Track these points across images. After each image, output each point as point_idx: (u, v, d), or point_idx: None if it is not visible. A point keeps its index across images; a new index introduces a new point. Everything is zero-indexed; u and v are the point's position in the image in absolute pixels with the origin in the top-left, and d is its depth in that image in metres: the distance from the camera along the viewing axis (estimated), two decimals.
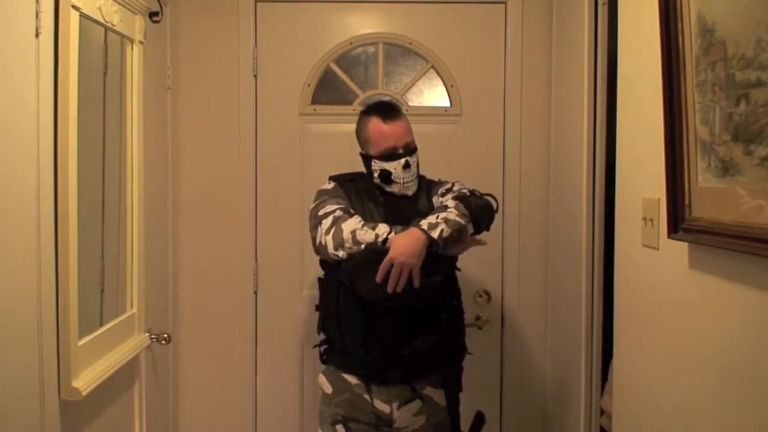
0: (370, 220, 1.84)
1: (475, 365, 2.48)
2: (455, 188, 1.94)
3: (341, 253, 1.76)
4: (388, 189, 1.91)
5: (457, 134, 2.54)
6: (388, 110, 1.92)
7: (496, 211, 1.90)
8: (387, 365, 1.85)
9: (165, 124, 2.43)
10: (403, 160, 1.87)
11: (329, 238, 1.78)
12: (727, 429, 1.14)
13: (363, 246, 1.74)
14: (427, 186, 2.00)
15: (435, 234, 1.71)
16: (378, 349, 1.83)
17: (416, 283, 1.69)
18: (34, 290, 1.44)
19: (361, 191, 1.94)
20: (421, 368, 1.87)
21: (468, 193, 1.88)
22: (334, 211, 1.82)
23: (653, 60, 1.31)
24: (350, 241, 1.75)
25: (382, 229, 1.75)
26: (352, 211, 1.85)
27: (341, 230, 1.77)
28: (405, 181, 1.88)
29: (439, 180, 2.04)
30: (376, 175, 1.91)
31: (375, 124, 1.89)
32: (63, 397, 1.54)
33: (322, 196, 1.90)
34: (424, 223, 1.73)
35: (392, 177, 1.88)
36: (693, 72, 1.17)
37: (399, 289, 1.69)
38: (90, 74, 1.76)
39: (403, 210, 1.89)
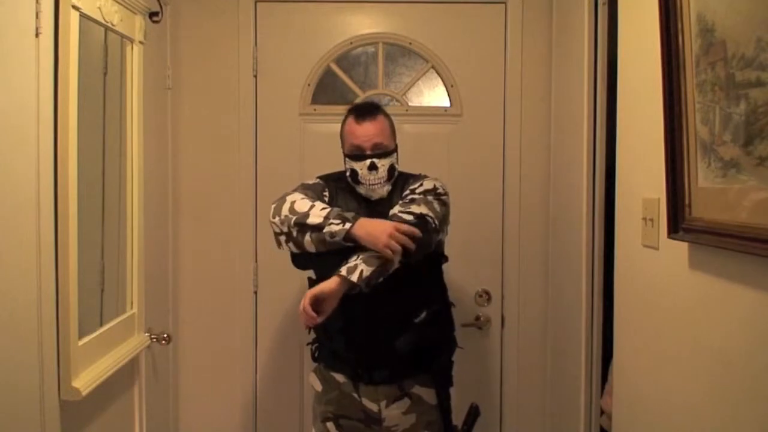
0: None
1: (475, 365, 2.49)
2: (418, 191, 1.86)
3: (276, 220, 1.77)
4: (357, 190, 1.89)
5: (457, 134, 2.54)
6: (363, 110, 1.91)
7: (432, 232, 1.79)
8: (372, 364, 1.85)
9: (165, 124, 2.43)
10: (368, 161, 1.83)
11: (273, 206, 1.81)
12: (726, 428, 1.14)
13: (296, 217, 1.73)
14: (402, 182, 1.95)
15: (354, 277, 1.65)
16: (361, 348, 1.83)
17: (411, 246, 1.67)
18: (34, 290, 1.44)
19: (346, 190, 1.93)
20: (407, 367, 1.86)
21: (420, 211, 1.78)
22: (296, 193, 1.83)
23: (653, 60, 1.31)
24: (287, 210, 1.76)
25: (323, 207, 1.74)
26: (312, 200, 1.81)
27: (284, 200, 1.79)
28: (370, 183, 1.85)
29: (418, 174, 1.98)
30: (348, 174, 1.90)
31: (348, 123, 1.90)
32: (63, 397, 1.54)
33: (300, 188, 1.90)
34: (343, 269, 1.66)
35: (358, 177, 1.86)
36: (693, 72, 1.17)
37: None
38: (90, 74, 1.76)
39: (381, 210, 1.86)
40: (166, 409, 2.46)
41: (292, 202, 1.77)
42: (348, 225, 1.68)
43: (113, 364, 1.78)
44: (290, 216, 1.74)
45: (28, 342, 1.43)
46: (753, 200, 1.01)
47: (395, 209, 1.80)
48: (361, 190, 1.88)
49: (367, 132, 1.85)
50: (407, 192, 1.88)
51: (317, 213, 1.72)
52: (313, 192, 1.88)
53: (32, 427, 1.45)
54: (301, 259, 1.83)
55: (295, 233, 1.73)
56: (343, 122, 1.94)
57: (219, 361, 2.56)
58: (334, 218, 1.70)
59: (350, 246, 1.70)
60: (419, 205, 1.79)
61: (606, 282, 1.96)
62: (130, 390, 2.06)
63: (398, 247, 1.66)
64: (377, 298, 1.74)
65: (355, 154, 1.86)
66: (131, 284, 1.99)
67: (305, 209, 1.73)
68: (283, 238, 1.77)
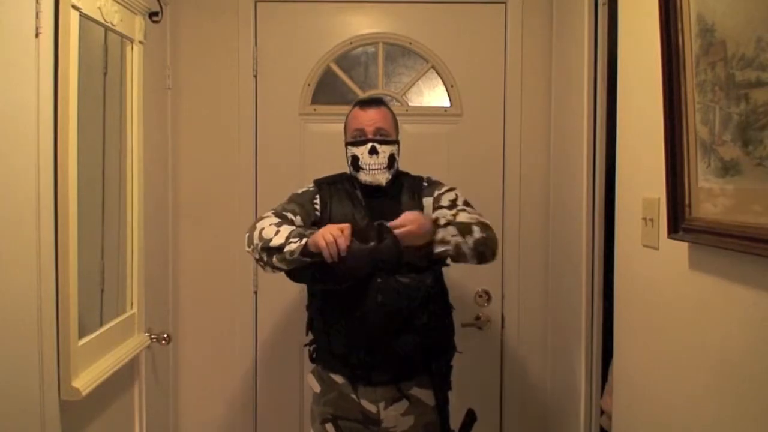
0: (349, 220, 1.80)
1: (475, 365, 2.49)
2: (459, 202, 1.90)
3: (250, 249, 1.79)
4: (359, 178, 1.89)
5: (457, 134, 2.54)
6: (368, 100, 1.97)
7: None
8: (371, 366, 1.85)
9: (165, 124, 2.43)
10: (369, 145, 1.86)
11: (246, 235, 1.82)
12: (726, 428, 1.14)
13: (262, 242, 1.73)
14: (411, 184, 1.97)
15: (437, 249, 1.70)
16: (362, 350, 1.82)
17: (343, 247, 1.62)
18: (34, 290, 1.44)
19: (342, 192, 1.94)
20: (406, 369, 1.86)
21: (486, 226, 1.78)
22: (269, 216, 1.83)
23: (653, 60, 1.31)
24: (257, 237, 1.77)
25: (287, 229, 1.74)
26: (291, 217, 1.84)
27: (255, 228, 1.80)
28: (371, 167, 1.87)
29: (428, 178, 2.00)
30: (349, 163, 1.92)
31: (353, 111, 1.95)
32: (63, 397, 1.54)
33: (286, 200, 1.93)
34: (440, 233, 1.70)
35: (359, 162, 1.88)
36: (693, 72, 1.17)
37: (334, 256, 1.62)
38: (90, 74, 1.76)
39: (384, 210, 1.86)
40: (166, 409, 2.46)
41: (261, 230, 1.78)
42: (304, 240, 1.68)
43: (113, 364, 1.78)
44: (258, 243, 1.76)
45: (28, 342, 1.43)
46: (753, 200, 1.01)
47: (446, 216, 1.80)
48: (362, 176, 1.89)
49: (370, 117, 1.89)
50: (444, 200, 1.89)
51: (281, 235, 1.73)
52: (297, 204, 1.89)
53: (32, 427, 1.45)
54: (290, 275, 1.83)
55: (265, 258, 1.75)
56: (348, 114, 1.97)
57: (219, 361, 2.56)
58: (293, 237, 1.71)
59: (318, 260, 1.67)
60: (471, 214, 1.83)
61: (606, 282, 1.96)
62: (130, 390, 2.06)
63: (329, 240, 1.62)
64: (381, 300, 1.74)
65: (358, 139, 1.89)
66: (131, 284, 1.99)
67: (271, 234, 1.74)
68: (261, 263, 1.79)
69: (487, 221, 1.83)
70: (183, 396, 2.56)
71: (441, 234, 1.72)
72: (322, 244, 1.63)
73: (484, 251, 1.76)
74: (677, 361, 1.32)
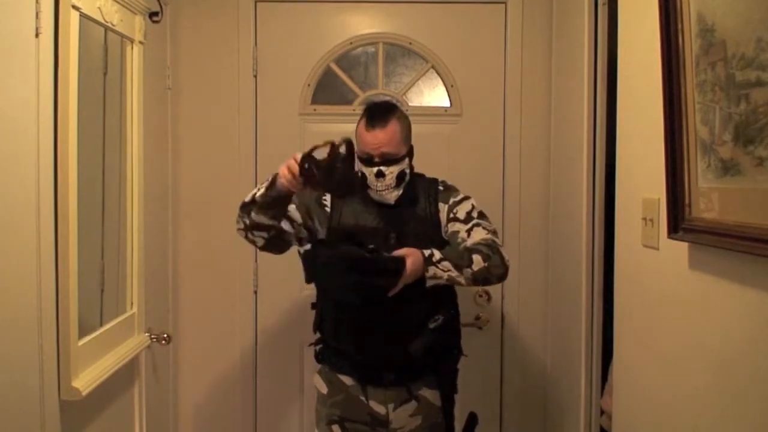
0: (359, 220, 1.87)
1: (475, 365, 2.49)
2: (474, 214, 1.88)
3: (236, 223, 1.80)
4: (369, 194, 1.89)
5: (457, 134, 2.54)
6: (375, 115, 1.88)
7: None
8: (381, 367, 1.84)
9: (165, 124, 2.43)
10: (375, 169, 1.84)
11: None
12: (726, 428, 1.14)
13: (240, 205, 1.75)
14: (426, 187, 1.96)
15: (428, 283, 1.72)
16: (373, 351, 1.82)
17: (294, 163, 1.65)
18: (34, 290, 1.44)
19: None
20: (416, 370, 1.86)
21: (492, 250, 1.78)
22: None
23: (653, 60, 1.31)
24: (238, 209, 1.78)
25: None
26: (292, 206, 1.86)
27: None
28: (378, 188, 1.86)
29: (444, 182, 1.99)
30: (359, 175, 1.90)
31: (360, 126, 1.89)
32: (63, 397, 1.54)
33: None
34: (431, 270, 1.71)
35: (367, 181, 1.87)
36: (693, 72, 1.17)
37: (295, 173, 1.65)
38: (90, 74, 1.76)
39: (402, 213, 1.87)
40: (166, 409, 2.46)
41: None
42: (270, 177, 1.71)
43: (113, 364, 1.78)
44: (238, 210, 1.78)
45: (28, 342, 1.43)
46: (753, 200, 1.01)
47: (460, 232, 1.84)
48: (372, 193, 1.89)
49: (375, 140, 1.84)
50: (460, 212, 1.89)
51: (253, 190, 1.76)
52: (308, 196, 1.88)
53: (32, 427, 1.45)
54: (309, 270, 1.83)
55: (246, 220, 1.76)
56: (358, 121, 1.92)
57: (219, 361, 2.56)
58: (260, 185, 1.74)
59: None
60: (487, 231, 1.85)
61: (606, 282, 1.96)
62: (130, 390, 2.06)
63: (289, 170, 1.66)
64: (393, 303, 1.74)
65: (365, 158, 1.87)
66: (131, 284, 1.99)
67: (248, 196, 1.77)
68: (245, 232, 1.79)
69: (497, 240, 1.83)
70: (183, 396, 2.56)
71: (432, 271, 1.71)
72: (280, 171, 1.66)
73: (487, 278, 1.76)
74: (677, 361, 1.32)
